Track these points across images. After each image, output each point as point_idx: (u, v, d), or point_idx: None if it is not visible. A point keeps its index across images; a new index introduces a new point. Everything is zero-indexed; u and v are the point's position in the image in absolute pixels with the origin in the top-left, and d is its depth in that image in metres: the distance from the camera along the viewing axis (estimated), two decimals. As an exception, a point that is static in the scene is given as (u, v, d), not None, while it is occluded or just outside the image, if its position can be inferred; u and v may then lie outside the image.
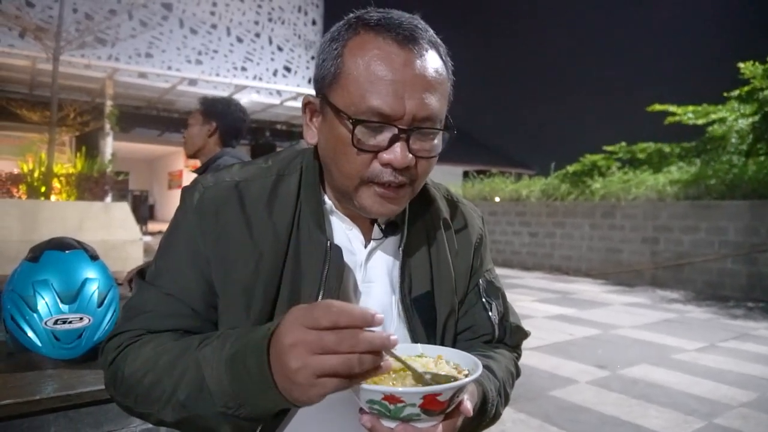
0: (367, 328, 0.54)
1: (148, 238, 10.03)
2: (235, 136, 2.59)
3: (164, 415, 0.69)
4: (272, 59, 16.22)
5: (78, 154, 8.92)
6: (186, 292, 0.76)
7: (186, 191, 0.81)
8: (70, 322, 1.23)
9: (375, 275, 0.82)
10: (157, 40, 14.41)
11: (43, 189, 7.32)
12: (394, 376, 0.62)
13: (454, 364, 0.66)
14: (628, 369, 4.06)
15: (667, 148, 11.47)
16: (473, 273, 0.90)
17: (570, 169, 11.42)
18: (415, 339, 0.80)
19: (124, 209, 6.79)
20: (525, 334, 0.95)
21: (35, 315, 1.21)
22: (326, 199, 0.81)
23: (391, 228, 0.83)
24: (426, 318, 0.82)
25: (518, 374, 0.92)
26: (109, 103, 11.30)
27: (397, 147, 0.70)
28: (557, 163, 12.05)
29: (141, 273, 0.82)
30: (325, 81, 0.73)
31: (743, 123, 9.81)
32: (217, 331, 0.75)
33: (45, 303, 1.22)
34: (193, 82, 12.93)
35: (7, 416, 1.06)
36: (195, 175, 1.78)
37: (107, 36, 13.35)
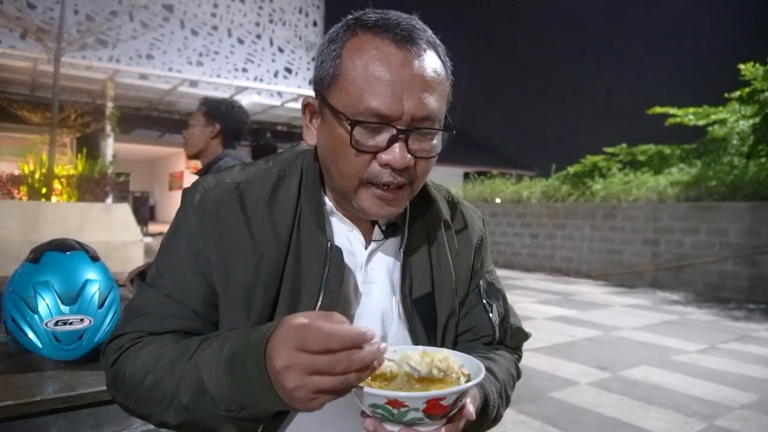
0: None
1: (148, 239, 10.03)
2: (237, 138, 2.59)
3: (167, 417, 0.69)
4: (273, 60, 16.24)
5: (79, 156, 8.93)
6: (186, 294, 0.76)
7: (187, 192, 0.82)
8: (71, 324, 1.23)
9: (375, 276, 0.82)
10: (158, 42, 14.43)
11: (44, 190, 7.32)
12: (399, 380, 0.62)
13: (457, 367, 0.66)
14: (629, 370, 4.05)
15: (667, 150, 11.46)
16: (474, 274, 0.90)
17: (571, 170, 11.40)
18: (415, 340, 0.80)
19: (125, 210, 6.79)
20: (526, 336, 0.95)
21: (36, 316, 1.21)
22: (327, 200, 0.81)
23: (391, 229, 0.83)
24: (426, 319, 0.82)
25: (519, 376, 0.92)
26: (110, 104, 11.31)
27: (396, 147, 0.70)
28: (558, 164, 12.04)
29: (142, 274, 0.83)
30: (323, 82, 0.73)
31: (744, 124, 9.81)
32: (217, 331, 0.75)
33: (46, 304, 1.22)
34: (194, 83, 12.94)
35: (7, 417, 1.06)
36: (196, 177, 1.79)
37: (108, 37, 13.37)
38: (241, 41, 15.74)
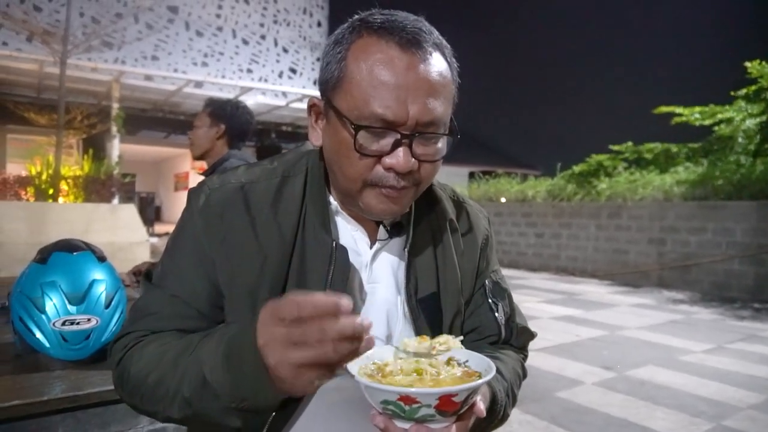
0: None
1: (154, 240, 10.07)
2: (242, 139, 2.60)
3: (171, 412, 0.70)
4: (277, 61, 16.26)
5: (85, 157, 8.98)
6: (191, 294, 0.76)
7: (192, 193, 0.82)
8: (78, 323, 1.23)
9: (380, 276, 0.82)
10: (163, 43, 14.48)
11: (50, 191, 7.36)
12: (410, 378, 0.62)
13: (465, 366, 0.67)
14: (635, 370, 4.04)
15: (674, 149, 11.41)
16: (479, 274, 0.90)
17: (576, 169, 11.36)
18: (420, 340, 0.80)
19: (130, 211, 6.83)
20: (531, 335, 0.95)
21: (43, 316, 1.22)
22: (331, 199, 0.81)
23: (396, 229, 0.83)
24: (432, 319, 0.82)
25: (525, 375, 0.92)
26: (115, 105, 11.37)
27: (400, 152, 0.70)
28: (563, 163, 12.00)
29: (147, 275, 0.83)
30: (329, 84, 0.73)
31: (750, 123, 9.75)
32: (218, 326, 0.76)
33: (53, 304, 1.23)
34: (198, 84, 12.98)
35: (15, 417, 1.06)
36: (201, 177, 1.80)
37: (114, 39, 13.43)
38: (245, 42, 15.77)
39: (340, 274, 0.76)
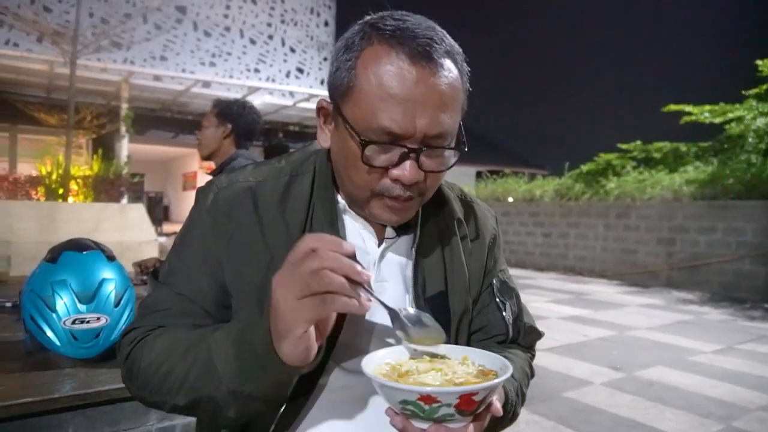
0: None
1: (163, 239, 10.13)
2: (249, 138, 2.62)
3: (177, 399, 0.70)
4: (285, 61, 16.30)
5: (94, 157, 9.05)
6: (197, 293, 0.77)
7: (201, 192, 0.83)
8: (88, 322, 1.25)
9: (389, 274, 0.82)
10: (172, 43, 14.55)
11: (60, 191, 7.42)
12: (429, 377, 0.62)
13: (479, 365, 0.66)
14: (644, 371, 4.01)
15: (683, 148, 11.30)
16: (487, 273, 0.90)
17: (584, 168, 11.29)
18: (428, 339, 0.80)
19: (139, 210, 6.87)
20: (539, 335, 0.95)
21: (54, 315, 1.23)
22: (339, 198, 0.81)
23: (404, 227, 0.83)
24: (440, 318, 0.82)
25: (533, 375, 0.92)
26: (124, 105, 11.45)
27: (407, 165, 0.70)
28: (571, 162, 11.93)
29: (155, 272, 0.84)
30: (338, 91, 0.72)
31: (761, 122, 9.64)
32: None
33: (63, 303, 1.24)
34: (206, 84, 13.04)
35: (26, 414, 1.08)
36: (209, 177, 1.81)
37: (122, 40, 13.52)
38: (253, 42, 15.82)
39: None
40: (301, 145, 0.91)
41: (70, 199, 7.55)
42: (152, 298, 0.80)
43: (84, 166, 9.47)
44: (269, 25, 16.18)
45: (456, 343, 0.83)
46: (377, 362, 0.66)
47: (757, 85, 9.96)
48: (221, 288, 0.77)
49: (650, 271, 8.90)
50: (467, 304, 0.86)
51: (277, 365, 0.62)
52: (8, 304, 1.81)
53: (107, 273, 1.31)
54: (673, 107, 10.91)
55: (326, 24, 17.30)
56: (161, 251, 7.11)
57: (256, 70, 15.72)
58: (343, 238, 0.79)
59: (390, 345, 0.73)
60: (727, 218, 7.98)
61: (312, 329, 0.61)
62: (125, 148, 11.35)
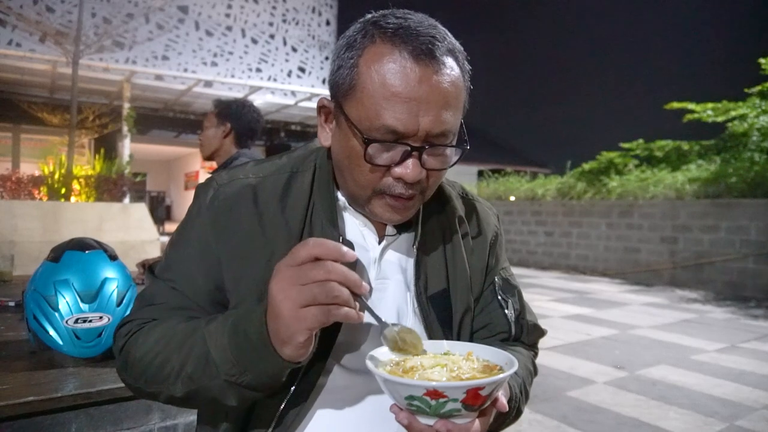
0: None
1: (165, 239, 10.14)
2: (250, 137, 2.61)
3: (174, 390, 0.71)
4: (286, 60, 16.30)
5: (97, 156, 9.06)
6: (193, 289, 0.77)
7: (201, 188, 0.82)
8: (90, 321, 1.25)
9: (389, 272, 0.82)
10: (174, 43, 14.57)
11: (63, 190, 7.43)
12: (436, 372, 0.62)
13: (484, 360, 0.66)
14: (647, 370, 4.00)
15: (685, 146, 11.28)
16: (489, 271, 0.90)
17: (586, 167, 11.27)
18: (431, 336, 0.80)
19: (141, 210, 6.87)
20: (542, 332, 0.95)
21: (57, 314, 1.23)
22: (339, 195, 0.81)
23: (405, 225, 0.83)
24: (442, 316, 0.82)
25: (536, 372, 0.91)
26: (126, 105, 11.46)
27: (410, 163, 0.70)
28: (573, 161, 11.91)
29: (152, 267, 0.84)
30: (340, 89, 0.72)
31: (765, 120, 9.61)
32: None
33: (66, 302, 1.24)
34: (208, 83, 13.04)
35: (29, 413, 1.08)
36: (211, 176, 1.80)
37: (125, 39, 13.53)
38: (254, 41, 15.82)
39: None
40: (302, 144, 0.91)
41: (73, 199, 7.56)
42: (148, 291, 0.81)
43: (86, 165, 9.49)
44: (271, 24, 16.17)
45: (458, 340, 0.83)
46: (381, 359, 0.66)
47: (760, 83, 9.93)
48: (217, 285, 0.77)
49: (653, 269, 8.88)
50: (469, 302, 0.85)
51: (275, 360, 0.64)
52: (12, 304, 1.82)
53: (110, 272, 1.31)
54: (675, 105, 10.88)
55: (328, 23, 17.29)
56: (163, 250, 7.11)
57: (258, 70, 15.73)
58: (344, 235, 0.79)
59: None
60: (730, 217, 7.95)
61: (312, 333, 0.63)
62: (127, 147, 11.36)
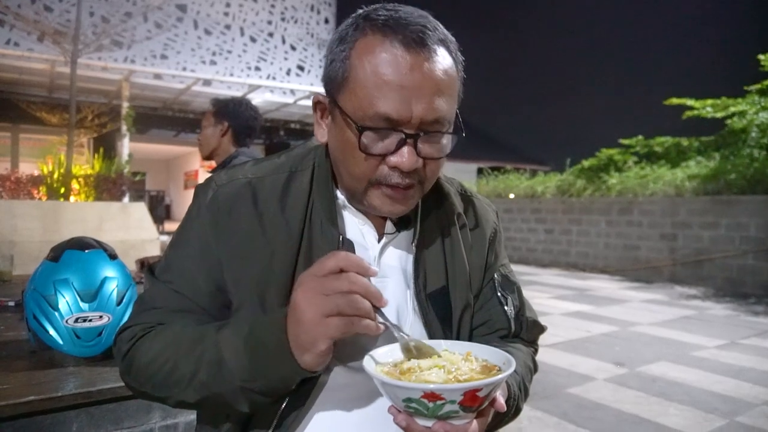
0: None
1: (165, 238, 10.14)
2: (248, 135, 2.61)
3: (185, 396, 0.71)
4: (285, 58, 16.28)
5: (96, 156, 9.05)
6: (193, 290, 0.77)
7: (200, 189, 0.82)
8: (90, 321, 1.25)
9: (389, 270, 0.82)
10: (172, 42, 14.54)
11: (62, 190, 7.43)
12: (431, 374, 0.62)
13: (482, 360, 0.66)
14: (647, 366, 4.01)
15: (685, 142, 11.26)
16: (488, 267, 0.90)
17: (585, 164, 11.26)
18: (431, 334, 0.80)
19: (141, 209, 6.87)
20: (542, 329, 0.94)
21: (56, 313, 1.23)
22: (338, 194, 0.81)
23: (404, 223, 0.83)
24: (441, 313, 0.82)
25: (536, 369, 0.91)
26: (125, 104, 11.44)
27: (405, 151, 0.70)
28: (573, 158, 11.89)
29: (151, 268, 0.83)
30: (333, 83, 0.73)
31: (764, 116, 9.59)
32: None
33: (66, 302, 1.24)
34: (207, 82, 13.03)
35: (30, 412, 1.08)
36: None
37: (123, 38, 13.51)
38: (253, 40, 15.79)
39: None
40: (302, 142, 0.91)
41: (72, 198, 7.56)
42: (148, 294, 0.80)
43: (85, 165, 9.48)
44: (269, 22, 16.15)
45: (458, 338, 0.83)
46: (379, 360, 0.65)
47: (759, 79, 9.92)
48: (218, 286, 0.77)
49: (653, 266, 8.88)
50: (468, 299, 0.85)
51: (292, 366, 0.64)
52: (12, 303, 1.82)
53: (109, 271, 1.31)
54: (675, 101, 10.87)
55: (326, 21, 17.26)
56: (163, 250, 7.12)
57: (257, 68, 15.71)
58: (343, 233, 0.79)
59: (391, 343, 0.73)
60: (730, 213, 7.96)
61: (332, 342, 0.64)
62: (126, 146, 11.35)
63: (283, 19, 16.38)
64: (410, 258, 0.82)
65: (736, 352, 4.43)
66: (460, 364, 0.64)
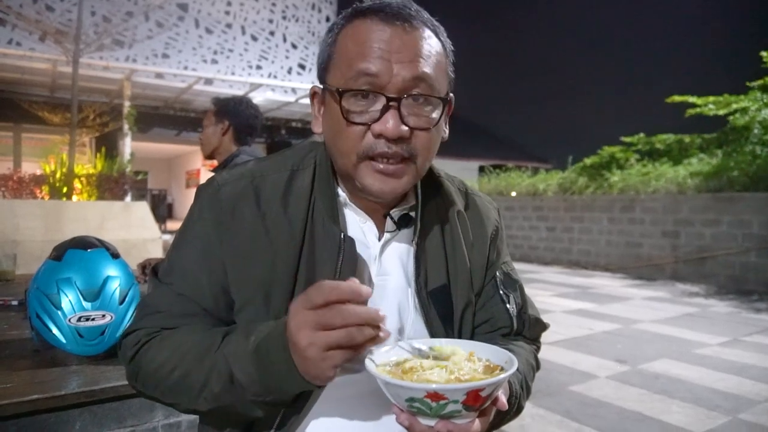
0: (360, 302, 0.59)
1: (167, 237, 10.15)
2: (250, 134, 2.61)
3: (197, 405, 0.71)
4: (287, 57, 16.27)
5: (98, 155, 9.06)
6: (197, 293, 0.77)
7: (202, 189, 0.82)
8: (93, 319, 1.25)
9: (390, 268, 0.82)
10: (174, 41, 14.54)
11: (64, 189, 7.44)
12: (433, 374, 0.62)
13: (485, 360, 0.66)
14: (649, 364, 4.00)
15: (687, 140, 11.23)
16: (490, 265, 0.90)
17: (587, 161, 11.24)
18: (432, 332, 0.80)
19: (143, 208, 6.88)
20: (544, 327, 0.94)
21: (59, 312, 1.23)
22: (340, 191, 0.81)
23: (404, 221, 0.83)
24: (443, 311, 0.82)
25: (538, 367, 0.91)
26: (127, 103, 11.45)
27: (389, 116, 0.70)
28: (574, 156, 11.89)
29: (154, 269, 0.83)
30: (322, 68, 0.77)
31: (766, 113, 9.57)
32: (237, 324, 0.76)
33: (69, 301, 1.24)
34: (209, 81, 13.04)
35: (33, 411, 1.08)
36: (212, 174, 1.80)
37: (125, 38, 13.52)
38: (254, 38, 15.79)
39: (349, 266, 0.76)
40: (302, 141, 0.92)
41: (75, 198, 7.57)
42: (152, 297, 0.80)
43: (87, 164, 9.50)
44: (271, 21, 16.14)
45: (459, 336, 0.83)
46: (381, 359, 0.65)
47: (761, 76, 9.87)
48: (221, 287, 0.77)
49: (655, 264, 8.87)
50: (470, 297, 0.85)
51: (304, 385, 0.64)
52: (15, 303, 1.82)
53: (112, 270, 1.31)
54: (677, 98, 10.83)
55: (327, 20, 17.23)
56: (165, 249, 7.13)
57: (258, 67, 15.70)
58: (344, 231, 0.78)
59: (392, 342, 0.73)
60: (732, 211, 7.94)
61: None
62: (128, 146, 11.36)
63: (284, 18, 16.37)
64: (411, 256, 0.82)
65: (738, 350, 4.43)
66: (462, 363, 0.64)
